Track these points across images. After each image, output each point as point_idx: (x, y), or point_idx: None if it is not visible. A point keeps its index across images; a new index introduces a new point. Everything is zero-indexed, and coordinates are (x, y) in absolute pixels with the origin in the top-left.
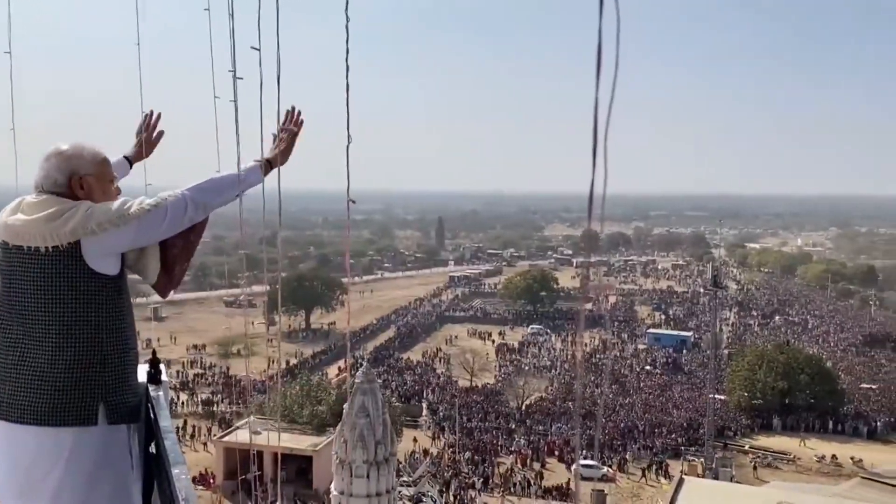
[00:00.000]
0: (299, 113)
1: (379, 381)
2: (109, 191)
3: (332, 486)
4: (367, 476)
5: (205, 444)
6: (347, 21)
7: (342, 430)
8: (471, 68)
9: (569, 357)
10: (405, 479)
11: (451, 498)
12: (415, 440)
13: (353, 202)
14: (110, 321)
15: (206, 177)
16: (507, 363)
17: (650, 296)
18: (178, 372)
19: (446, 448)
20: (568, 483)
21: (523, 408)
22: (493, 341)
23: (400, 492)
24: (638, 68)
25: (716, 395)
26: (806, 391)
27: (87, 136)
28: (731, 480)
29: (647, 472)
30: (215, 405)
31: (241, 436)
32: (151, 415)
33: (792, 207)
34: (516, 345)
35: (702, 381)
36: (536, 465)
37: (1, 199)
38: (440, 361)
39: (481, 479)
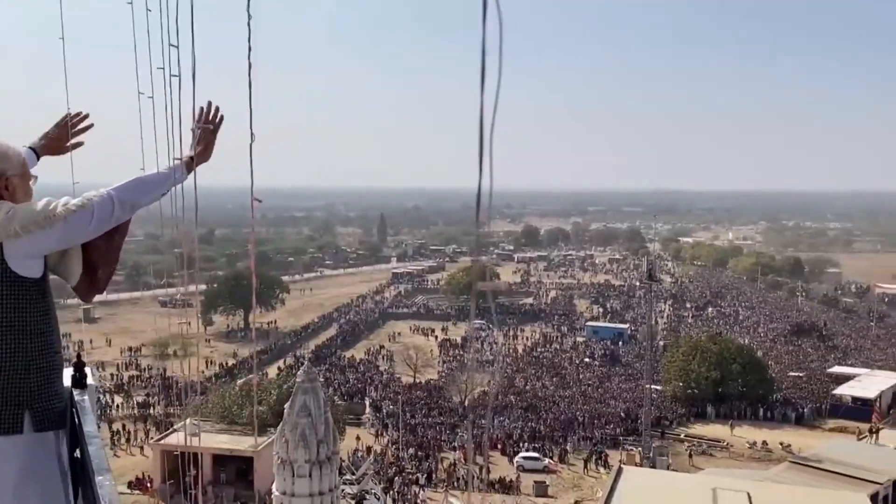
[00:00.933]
0: (217, 109)
1: (321, 379)
2: (30, 190)
3: (274, 487)
4: (310, 475)
5: (141, 447)
6: (249, 19)
7: (283, 430)
8: (417, 64)
9: (511, 351)
10: (348, 477)
11: (395, 495)
12: (358, 438)
13: (259, 201)
14: (34, 325)
15: (131, 176)
16: (451, 359)
17: (588, 290)
18: (112, 375)
19: (390, 445)
20: (514, 477)
21: (466, 403)
22: (437, 337)
23: (343, 490)
24: (569, 62)
25: (652, 386)
26: (738, 380)
27: None
28: (667, 468)
29: (587, 462)
30: (152, 407)
31: (178, 438)
32: (77, 420)
33: (723, 202)
34: (459, 340)
35: (639, 372)
36: (480, 460)
37: None
38: (383, 359)
39: (425, 475)
